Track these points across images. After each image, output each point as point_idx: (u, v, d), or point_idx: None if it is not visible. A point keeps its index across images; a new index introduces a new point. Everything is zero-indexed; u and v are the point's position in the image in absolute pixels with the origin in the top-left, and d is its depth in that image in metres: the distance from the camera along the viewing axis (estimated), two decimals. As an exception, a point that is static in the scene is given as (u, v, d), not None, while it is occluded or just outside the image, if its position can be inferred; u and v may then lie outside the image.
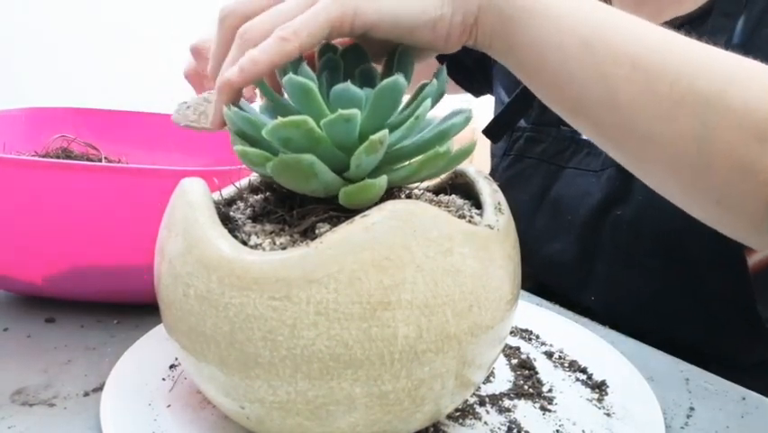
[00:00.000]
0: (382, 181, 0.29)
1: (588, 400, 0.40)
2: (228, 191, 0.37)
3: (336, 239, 0.27)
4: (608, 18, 0.36)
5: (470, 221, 0.33)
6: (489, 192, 0.35)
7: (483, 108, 0.91)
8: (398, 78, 0.29)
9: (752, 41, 0.54)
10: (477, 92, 0.83)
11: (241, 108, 0.32)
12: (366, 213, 0.28)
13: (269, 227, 0.31)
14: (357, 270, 0.27)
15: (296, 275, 0.27)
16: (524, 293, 0.57)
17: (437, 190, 0.39)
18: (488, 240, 0.31)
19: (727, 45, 0.54)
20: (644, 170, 0.39)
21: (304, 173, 0.28)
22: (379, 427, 0.30)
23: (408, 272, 0.27)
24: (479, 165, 0.45)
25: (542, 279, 0.64)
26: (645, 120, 0.35)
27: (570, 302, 0.57)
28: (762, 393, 0.44)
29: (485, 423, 0.36)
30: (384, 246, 0.27)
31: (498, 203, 0.34)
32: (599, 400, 0.40)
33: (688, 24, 0.59)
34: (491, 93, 0.83)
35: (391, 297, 0.27)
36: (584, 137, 0.63)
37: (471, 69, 0.80)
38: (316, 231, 0.30)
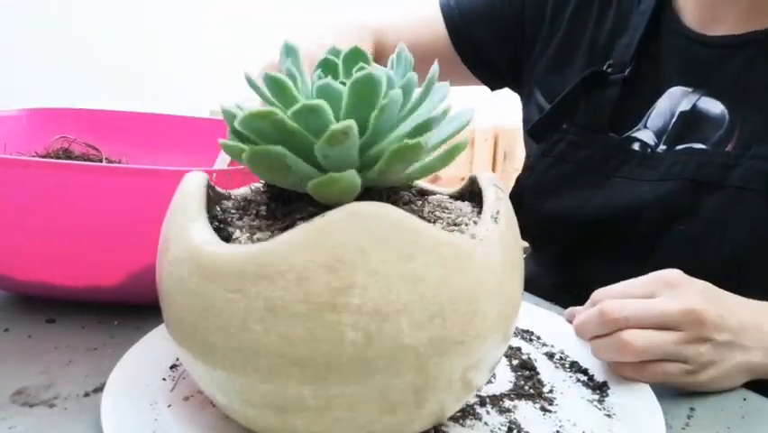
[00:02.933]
0: (350, 176, 0.28)
1: (588, 400, 0.40)
2: (238, 189, 0.37)
3: (291, 237, 0.27)
4: None
5: (458, 229, 0.32)
6: (493, 200, 0.34)
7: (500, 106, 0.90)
8: (372, 71, 0.28)
9: None
10: (494, 86, 0.82)
11: None
12: (326, 213, 0.28)
13: (256, 223, 0.32)
14: (306, 269, 0.27)
15: (250, 269, 0.27)
16: (524, 294, 0.57)
17: (458, 196, 0.39)
18: (463, 250, 0.29)
19: None
20: None
21: (276, 164, 0.28)
22: (335, 430, 0.29)
23: (360, 276, 0.27)
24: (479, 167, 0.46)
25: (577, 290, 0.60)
26: None
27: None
28: (762, 394, 0.44)
29: (485, 423, 0.36)
30: (338, 247, 0.27)
31: (497, 212, 0.33)
32: (600, 402, 0.40)
33: (766, 39, 0.56)
34: (512, 88, 0.81)
35: (339, 299, 0.26)
36: (635, 147, 0.61)
37: (499, 67, 0.78)
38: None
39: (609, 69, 0.63)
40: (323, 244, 0.27)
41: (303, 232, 0.27)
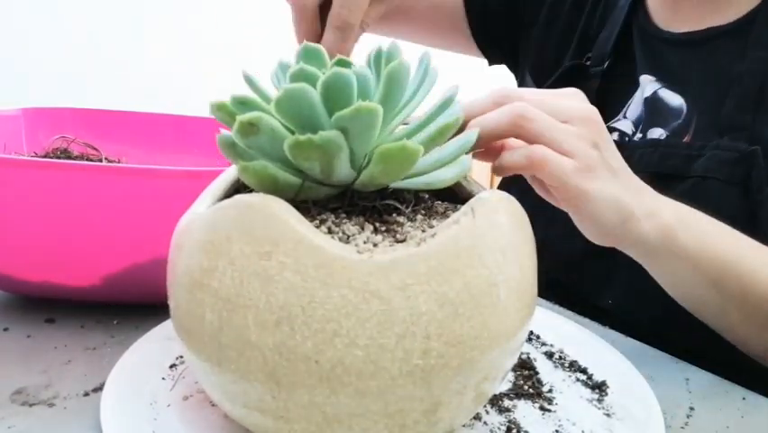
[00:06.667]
0: (258, 165, 0.29)
1: (588, 400, 0.40)
2: None
3: (198, 215, 0.30)
4: (736, 261, 0.44)
5: (392, 234, 0.30)
6: (464, 210, 0.30)
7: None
8: (339, 70, 0.28)
9: None
10: (491, 58, 0.83)
11: None
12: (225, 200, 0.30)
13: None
14: (192, 246, 0.29)
15: (177, 240, 0.32)
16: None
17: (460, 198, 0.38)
18: (335, 261, 0.26)
19: None
20: (731, 341, 0.49)
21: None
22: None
23: (221, 262, 0.28)
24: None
25: (560, 277, 0.63)
26: (744, 332, 0.47)
27: (586, 302, 0.56)
28: (762, 393, 0.44)
29: (484, 423, 0.36)
30: (211, 231, 0.29)
31: (457, 220, 0.29)
32: (599, 401, 0.40)
33: (726, 35, 0.58)
34: (508, 66, 0.82)
35: (203, 279, 0.28)
36: (615, 137, 0.63)
37: (500, 40, 0.79)
38: None
39: (588, 63, 0.66)
40: (205, 225, 0.29)
41: (208, 212, 0.29)
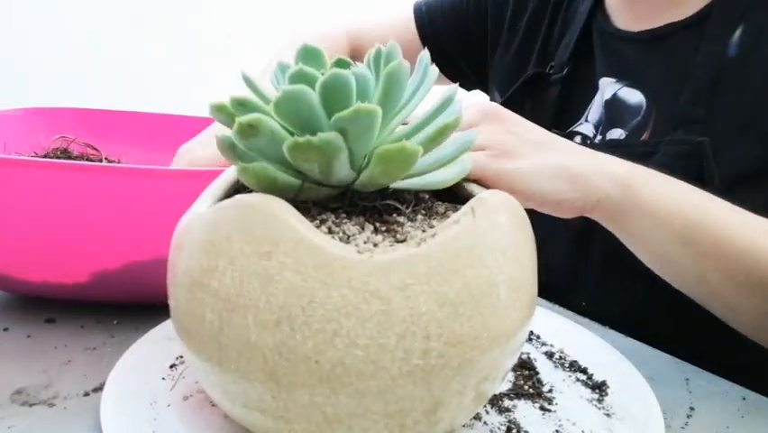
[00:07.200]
0: (258, 167, 0.29)
1: (588, 400, 0.40)
2: None
3: (198, 215, 0.30)
4: (705, 215, 0.43)
5: (392, 234, 0.30)
6: (464, 210, 0.30)
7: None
8: (337, 71, 0.28)
9: (750, 58, 0.54)
10: (467, 87, 0.86)
11: None
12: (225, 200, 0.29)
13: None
14: (191, 246, 0.29)
15: (177, 240, 0.32)
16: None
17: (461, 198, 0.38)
18: (336, 261, 0.26)
19: (722, 57, 0.54)
20: (720, 316, 0.47)
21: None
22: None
23: (221, 262, 0.28)
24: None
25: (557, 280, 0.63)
26: (727, 296, 0.44)
27: (561, 304, 0.57)
28: (762, 393, 0.44)
29: (485, 423, 0.36)
30: (212, 231, 0.29)
31: (458, 220, 0.29)
32: (599, 401, 0.40)
33: (683, 30, 0.59)
34: (482, 90, 0.84)
35: (203, 279, 0.28)
36: (577, 140, 0.64)
37: (466, 71, 0.83)
38: None
39: (551, 71, 0.68)
40: (205, 225, 0.29)
41: (209, 212, 0.30)
